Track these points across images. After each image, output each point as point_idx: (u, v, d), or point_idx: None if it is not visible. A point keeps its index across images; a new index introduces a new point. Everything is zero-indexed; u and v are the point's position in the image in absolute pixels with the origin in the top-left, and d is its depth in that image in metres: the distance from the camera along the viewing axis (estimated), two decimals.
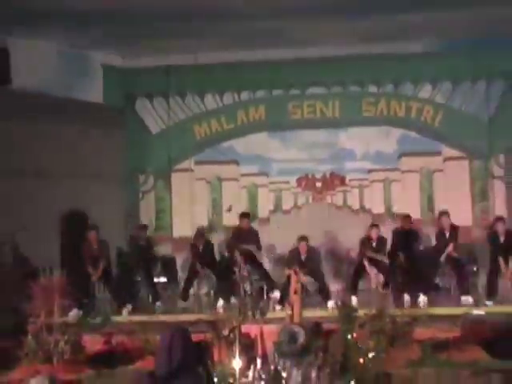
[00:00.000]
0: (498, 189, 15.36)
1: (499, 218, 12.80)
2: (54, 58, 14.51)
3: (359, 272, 13.14)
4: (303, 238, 12.70)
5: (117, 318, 11.32)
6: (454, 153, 15.66)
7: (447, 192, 14.94)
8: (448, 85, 15.71)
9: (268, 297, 12.77)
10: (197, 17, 13.12)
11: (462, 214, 14.47)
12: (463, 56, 15.34)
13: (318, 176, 15.85)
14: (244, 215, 13.89)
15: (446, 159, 15.69)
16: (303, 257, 12.55)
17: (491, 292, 12.14)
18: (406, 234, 13.39)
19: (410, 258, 13.16)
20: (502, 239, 12.40)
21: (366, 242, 13.12)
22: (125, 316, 11.95)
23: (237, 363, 7.64)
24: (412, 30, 14.26)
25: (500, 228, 12.43)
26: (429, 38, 15.00)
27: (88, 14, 12.66)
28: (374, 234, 13.10)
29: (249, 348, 8.18)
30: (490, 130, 15.43)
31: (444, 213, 13.03)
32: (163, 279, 14.23)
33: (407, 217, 13.72)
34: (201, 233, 14.01)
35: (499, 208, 14.97)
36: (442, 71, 15.61)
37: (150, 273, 13.58)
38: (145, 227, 14.15)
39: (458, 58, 15.38)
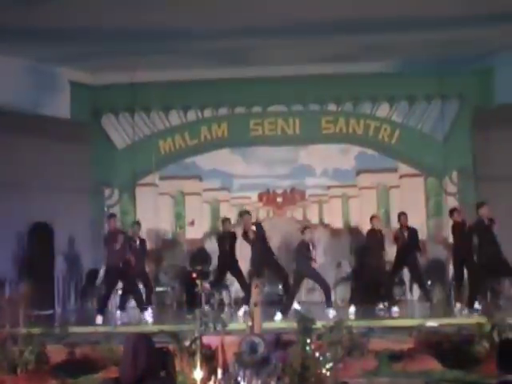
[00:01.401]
0: (452, 205, 15.53)
1: (482, 203, 12.53)
2: (22, 73, 14.43)
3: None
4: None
5: (81, 329, 11.25)
6: (410, 170, 15.85)
7: (403, 208, 15.03)
8: (404, 104, 15.92)
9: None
10: (162, 35, 13.14)
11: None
12: (419, 76, 15.55)
13: (279, 191, 15.94)
14: (245, 212, 13.70)
15: (402, 176, 15.87)
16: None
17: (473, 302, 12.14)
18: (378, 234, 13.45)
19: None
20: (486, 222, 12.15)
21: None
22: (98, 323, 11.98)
23: (198, 374, 7.64)
24: (370, 50, 14.42)
25: (484, 212, 12.20)
26: (386, 58, 15.17)
27: (56, 31, 12.63)
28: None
29: (210, 359, 8.18)
30: (444, 148, 15.66)
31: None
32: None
33: (375, 217, 13.65)
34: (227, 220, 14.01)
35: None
36: (399, 91, 15.81)
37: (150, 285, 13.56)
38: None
39: (414, 78, 15.59)
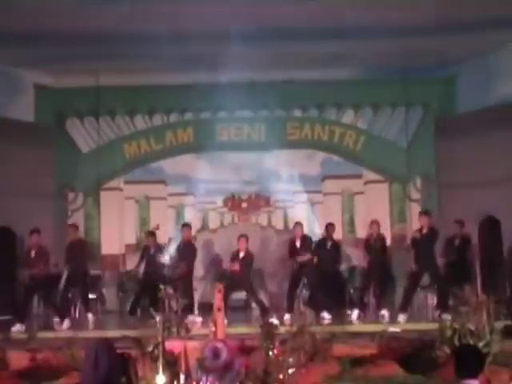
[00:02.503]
0: (415, 211, 15.66)
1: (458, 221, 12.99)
2: None
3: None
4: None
5: (43, 334, 11.15)
6: (374, 176, 15.96)
7: (368, 213, 15.16)
8: (369, 111, 16.02)
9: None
10: (128, 40, 13.11)
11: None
12: (384, 84, 15.67)
13: (244, 197, 15.95)
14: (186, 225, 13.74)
15: (367, 182, 15.98)
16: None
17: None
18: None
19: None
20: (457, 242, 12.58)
21: (291, 243, 13.23)
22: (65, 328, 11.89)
23: (160, 379, 7.63)
24: (335, 57, 14.48)
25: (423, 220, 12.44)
26: (351, 65, 15.25)
27: (19, 34, 12.54)
28: (297, 232, 13.21)
29: (172, 364, 8.16)
30: (407, 155, 15.80)
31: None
32: (91, 295, 14.02)
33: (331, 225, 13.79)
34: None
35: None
36: (364, 98, 15.91)
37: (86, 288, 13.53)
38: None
39: (379, 85, 15.69)
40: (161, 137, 16.11)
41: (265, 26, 12.63)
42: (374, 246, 13.13)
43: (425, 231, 12.31)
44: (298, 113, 16.12)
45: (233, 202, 15.96)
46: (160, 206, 15.96)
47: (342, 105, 16.02)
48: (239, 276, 12.70)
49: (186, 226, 13.63)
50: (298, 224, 13.44)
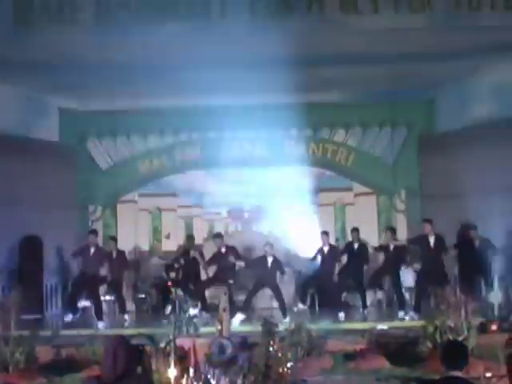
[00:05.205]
0: (401, 220, 15.73)
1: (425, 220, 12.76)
2: (15, 101, 14.33)
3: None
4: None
5: (66, 332, 11.17)
6: (364, 189, 15.99)
7: (358, 223, 15.16)
8: (359, 130, 16.06)
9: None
10: (140, 69, 13.16)
11: (369, 242, 14.76)
12: (371, 106, 15.71)
13: (246, 208, 15.97)
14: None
15: (357, 195, 16.01)
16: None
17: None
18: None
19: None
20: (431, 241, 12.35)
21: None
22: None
23: (172, 372, 7.66)
24: (327, 83, 14.53)
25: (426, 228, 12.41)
26: (342, 90, 15.31)
27: (46, 64, 12.61)
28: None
29: (183, 359, 8.19)
30: (393, 170, 15.83)
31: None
32: (109, 297, 13.99)
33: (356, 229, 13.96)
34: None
35: (401, 236, 15.31)
36: (354, 119, 15.96)
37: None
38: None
39: (367, 107, 15.74)
40: (171, 154, 16.16)
41: (264, 55, 12.65)
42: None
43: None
44: (294, 132, 16.15)
45: (236, 212, 15.98)
46: (171, 216, 15.99)
47: (334, 125, 16.06)
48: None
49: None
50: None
